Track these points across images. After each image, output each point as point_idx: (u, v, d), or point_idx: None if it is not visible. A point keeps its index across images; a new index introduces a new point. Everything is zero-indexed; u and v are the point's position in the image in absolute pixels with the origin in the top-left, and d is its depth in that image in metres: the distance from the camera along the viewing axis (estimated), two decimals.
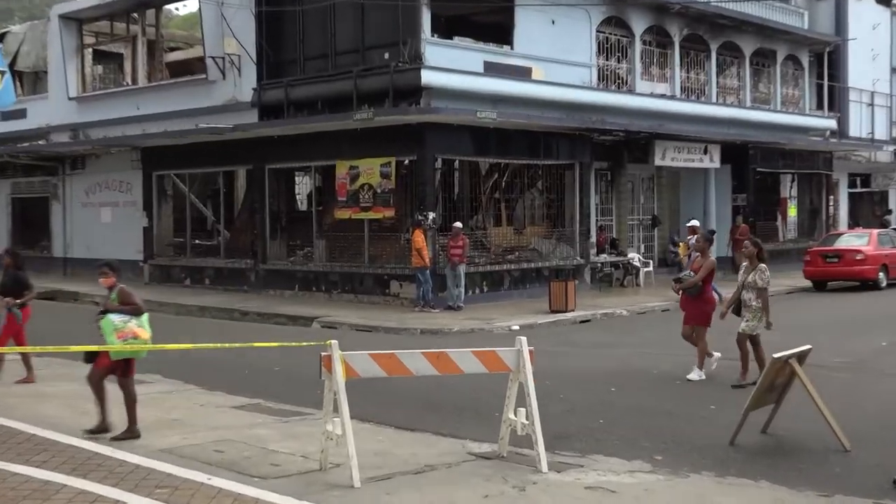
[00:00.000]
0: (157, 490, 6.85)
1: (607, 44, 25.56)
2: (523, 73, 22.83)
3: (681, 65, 27.90)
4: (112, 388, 8.84)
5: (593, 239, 24.60)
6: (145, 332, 8.66)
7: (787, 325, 13.76)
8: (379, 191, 21.26)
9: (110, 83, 32.23)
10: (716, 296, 12.73)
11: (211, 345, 11.33)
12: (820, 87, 34.36)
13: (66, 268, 29.93)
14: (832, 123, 33.52)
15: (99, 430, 8.70)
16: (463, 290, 20.18)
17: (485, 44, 22.78)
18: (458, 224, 20.36)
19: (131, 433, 8.65)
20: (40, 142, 30.63)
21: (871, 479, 7.43)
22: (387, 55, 21.25)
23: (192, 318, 20.52)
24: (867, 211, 38.20)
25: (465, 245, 20.18)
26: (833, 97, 34.78)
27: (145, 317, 8.75)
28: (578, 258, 23.80)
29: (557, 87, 23.20)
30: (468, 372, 7.92)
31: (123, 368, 8.76)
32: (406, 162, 21.54)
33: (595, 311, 19.90)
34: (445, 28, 23.17)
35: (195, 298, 22.82)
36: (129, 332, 8.52)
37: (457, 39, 22.58)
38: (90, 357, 8.79)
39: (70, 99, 29.79)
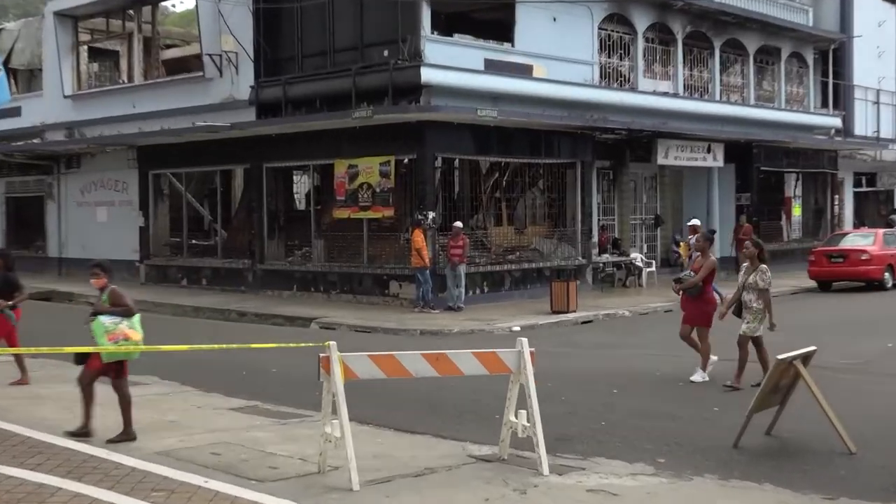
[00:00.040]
0: (153, 493, 6.82)
1: (609, 41, 25.47)
2: (524, 71, 22.74)
3: (684, 62, 27.80)
4: (107, 391, 8.77)
5: (595, 239, 24.50)
6: (137, 334, 8.58)
7: (792, 326, 13.69)
8: (378, 190, 21.15)
9: (106, 81, 32.14)
10: (716, 296, 12.67)
11: (207, 346, 11.26)
12: (825, 85, 34.31)
13: (61, 268, 29.80)
14: (837, 122, 33.44)
15: (80, 433, 8.62)
16: (463, 290, 20.09)
17: (485, 41, 22.69)
18: (459, 224, 20.26)
19: (127, 435, 8.56)
20: (35, 140, 30.58)
21: (876, 481, 7.37)
22: (386, 52, 21.17)
23: (189, 319, 20.44)
24: (872, 210, 38.13)
25: (466, 245, 20.08)
26: (838, 95, 34.74)
27: (137, 318, 8.67)
28: (580, 258, 23.70)
29: (559, 85, 23.11)
30: (468, 373, 7.84)
31: (116, 370, 8.67)
32: (405, 161, 21.44)
33: (597, 311, 19.82)
34: (445, 25, 23.06)
35: (192, 299, 22.72)
36: (121, 334, 8.45)
37: (457, 37, 22.48)
38: (81, 359, 8.71)
39: (65, 97, 29.73)
